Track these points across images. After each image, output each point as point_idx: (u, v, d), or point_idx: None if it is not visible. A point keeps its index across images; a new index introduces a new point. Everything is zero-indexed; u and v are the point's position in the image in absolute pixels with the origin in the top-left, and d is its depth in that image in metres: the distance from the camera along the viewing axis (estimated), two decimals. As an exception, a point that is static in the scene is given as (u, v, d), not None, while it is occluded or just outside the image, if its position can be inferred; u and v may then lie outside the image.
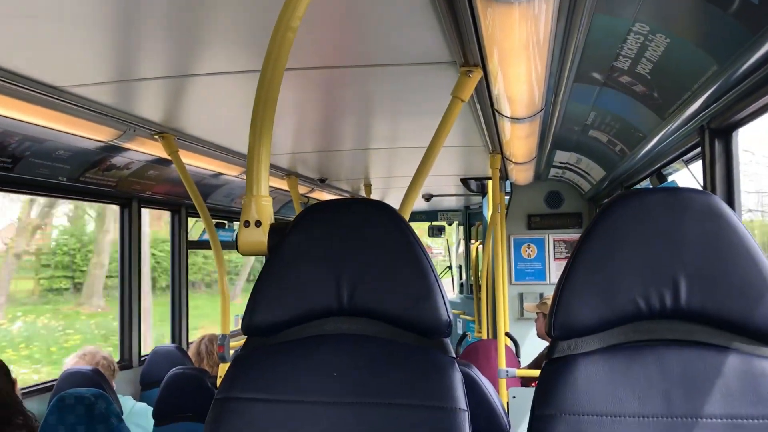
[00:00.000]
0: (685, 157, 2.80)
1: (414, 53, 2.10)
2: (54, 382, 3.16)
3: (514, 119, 2.71)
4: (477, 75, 2.11)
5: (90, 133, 2.79)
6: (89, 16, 1.73)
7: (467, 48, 1.97)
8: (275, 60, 1.27)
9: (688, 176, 2.91)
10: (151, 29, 1.87)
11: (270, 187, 4.19)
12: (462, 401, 1.08)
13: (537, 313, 4.05)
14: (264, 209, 1.24)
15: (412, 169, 2.21)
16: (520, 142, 3.25)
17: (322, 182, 5.39)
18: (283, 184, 4.88)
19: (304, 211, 1.22)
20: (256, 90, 1.29)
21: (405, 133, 3.44)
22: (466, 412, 1.07)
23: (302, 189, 5.20)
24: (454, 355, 1.14)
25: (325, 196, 6.06)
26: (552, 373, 1.09)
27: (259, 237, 1.23)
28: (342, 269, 1.16)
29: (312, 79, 2.46)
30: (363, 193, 6.07)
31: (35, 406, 3.05)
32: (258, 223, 1.23)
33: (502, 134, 3.13)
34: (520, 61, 1.99)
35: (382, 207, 1.19)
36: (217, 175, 4.20)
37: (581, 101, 2.65)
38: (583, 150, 3.70)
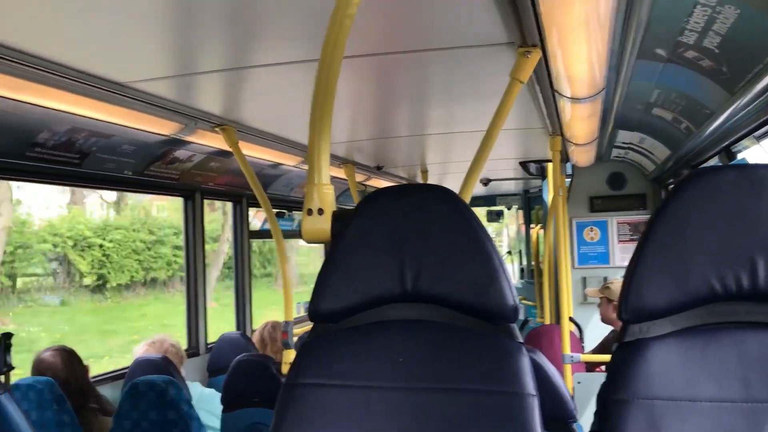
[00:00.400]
0: (757, 133, 2.68)
1: (470, 35, 2.07)
2: (125, 370, 3.28)
3: (574, 99, 2.65)
4: (536, 55, 2.07)
5: (153, 128, 2.86)
6: (150, 11, 1.77)
7: (525, 28, 1.93)
8: (333, 48, 1.27)
9: (760, 153, 2.80)
10: (210, 22, 1.90)
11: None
12: (531, 386, 1.06)
13: (600, 297, 3.96)
14: (326, 197, 1.25)
15: (469, 154, 2.19)
16: (581, 123, 3.18)
17: (378, 169, 5.39)
18: (340, 173, 4.90)
19: (366, 197, 1.22)
20: (315, 79, 1.29)
21: (462, 118, 3.40)
22: (536, 398, 1.06)
23: (359, 177, 5.22)
24: (521, 341, 1.13)
25: (382, 183, 6.07)
26: (624, 357, 1.06)
27: (322, 224, 1.24)
28: (405, 255, 1.15)
29: (368, 67, 2.45)
30: (420, 180, 6.06)
31: (109, 393, 3.17)
32: (320, 211, 1.24)
33: (563, 115, 3.07)
34: (579, 39, 1.94)
35: (444, 192, 1.18)
36: (276, 165, 4.26)
37: (644, 79, 2.56)
38: (647, 129, 3.59)
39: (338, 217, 1.23)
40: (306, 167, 4.31)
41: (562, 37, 1.94)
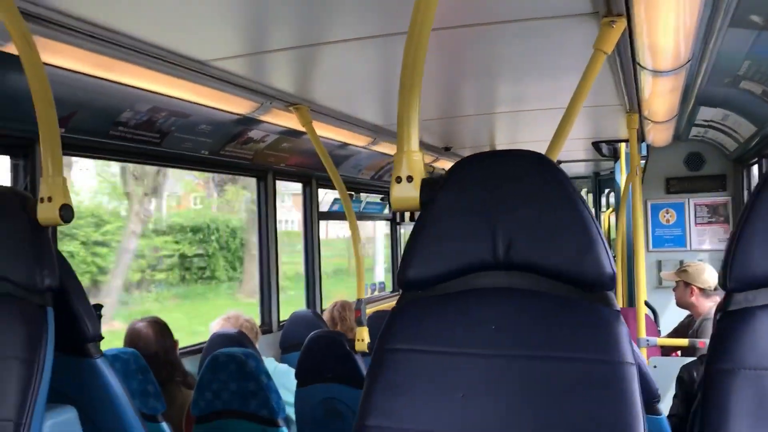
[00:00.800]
0: None
1: (551, 6, 2.01)
2: (202, 345, 3.37)
3: (656, 72, 2.56)
4: (621, 25, 2.00)
5: (230, 106, 2.91)
6: None
7: None
8: (423, 15, 1.26)
9: None
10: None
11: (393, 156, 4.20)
12: (629, 355, 1.03)
13: (677, 281, 3.84)
14: (415, 164, 1.24)
15: (541, 133, 2.14)
16: (662, 99, 3.07)
17: (447, 150, 5.36)
18: (408, 154, 4.89)
19: (456, 163, 1.20)
20: (403, 50, 1.28)
21: (536, 94, 3.33)
22: (634, 366, 1.03)
23: (427, 158, 5.19)
24: (618, 308, 1.10)
25: (449, 165, 6.03)
26: (728, 326, 1.02)
27: (411, 192, 1.23)
28: (498, 222, 1.13)
29: (437, 41, 2.41)
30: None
31: (187, 366, 3.26)
32: (410, 179, 1.23)
33: (642, 90, 2.97)
34: (669, 7, 1.87)
35: (539, 158, 1.15)
36: (344, 146, 4.27)
37: (734, 49, 2.45)
38: (732, 105, 3.44)
39: (428, 184, 1.22)
40: (375, 147, 4.36)
41: (651, 5, 1.87)
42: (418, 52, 1.25)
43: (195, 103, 2.79)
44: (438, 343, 1.14)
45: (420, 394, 1.12)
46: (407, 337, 1.16)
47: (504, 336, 1.10)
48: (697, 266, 3.75)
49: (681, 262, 4.98)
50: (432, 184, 1.22)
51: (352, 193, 5.41)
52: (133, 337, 2.71)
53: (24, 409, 1.32)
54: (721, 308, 1.06)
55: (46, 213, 1.46)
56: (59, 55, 2.07)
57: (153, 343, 2.72)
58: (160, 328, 2.76)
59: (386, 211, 6.19)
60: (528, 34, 2.29)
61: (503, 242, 1.13)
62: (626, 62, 2.59)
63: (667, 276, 3.90)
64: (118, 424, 1.56)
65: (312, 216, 4.66)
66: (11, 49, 1.99)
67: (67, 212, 1.47)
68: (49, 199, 1.46)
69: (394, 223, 6.41)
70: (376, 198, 5.99)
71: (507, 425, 1.06)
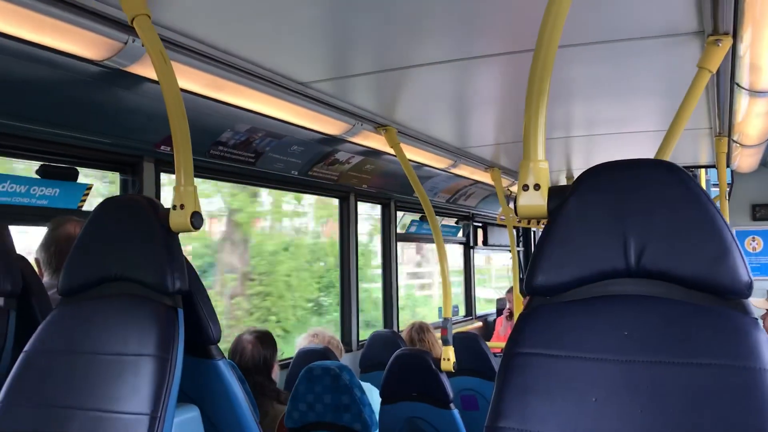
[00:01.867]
0: None
1: (658, 24, 2.02)
2: (290, 361, 3.44)
3: (754, 93, 2.53)
4: (726, 44, 1.99)
5: (324, 127, 3.00)
6: (324, 14, 1.88)
7: (720, 15, 1.86)
8: (552, 28, 1.30)
9: None
10: (373, 23, 2.00)
11: (471, 180, 4.23)
12: None
13: (767, 309, 3.71)
14: (542, 173, 1.26)
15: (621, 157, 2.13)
16: (756, 121, 3.01)
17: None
18: (486, 177, 4.91)
19: (585, 172, 1.22)
20: (531, 65, 1.31)
21: (631, 116, 3.31)
22: None
23: (505, 182, 5.19)
24: (756, 317, 1.09)
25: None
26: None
27: (538, 200, 1.25)
28: (629, 229, 1.15)
29: (521, 61, 2.44)
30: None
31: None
32: (537, 187, 1.26)
33: (736, 112, 2.92)
34: (780, 23, 1.86)
35: (668, 166, 1.16)
36: (420, 167, 4.32)
37: (840, 69, 2.40)
38: (829, 127, 3.34)
39: (556, 192, 1.25)
40: (454, 170, 4.39)
41: (759, 24, 1.86)
42: (545, 66, 1.29)
43: (291, 123, 2.89)
44: (568, 347, 1.15)
45: (552, 398, 1.13)
46: (537, 342, 1.18)
47: (636, 342, 1.11)
48: None
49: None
50: (560, 192, 1.24)
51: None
52: (237, 346, 2.79)
53: (159, 404, 1.39)
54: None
55: (178, 219, 1.55)
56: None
57: (254, 356, 2.78)
58: (264, 341, 2.82)
59: (459, 234, 6.19)
60: (629, 54, 2.29)
61: (635, 250, 1.14)
62: (723, 82, 2.56)
63: (758, 303, 3.78)
64: (237, 425, 1.62)
65: (390, 237, 4.71)
66: (132, 69, 2.12)
67: (197, 219, 1.55)
68: (182, 207, 1.55)
69: (468, 247, 6.41)
70: (450, 221, 6.01)
71: (643, 430, 1.06)
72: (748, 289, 1.09)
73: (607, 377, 1.11)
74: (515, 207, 1.28)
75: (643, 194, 1.16)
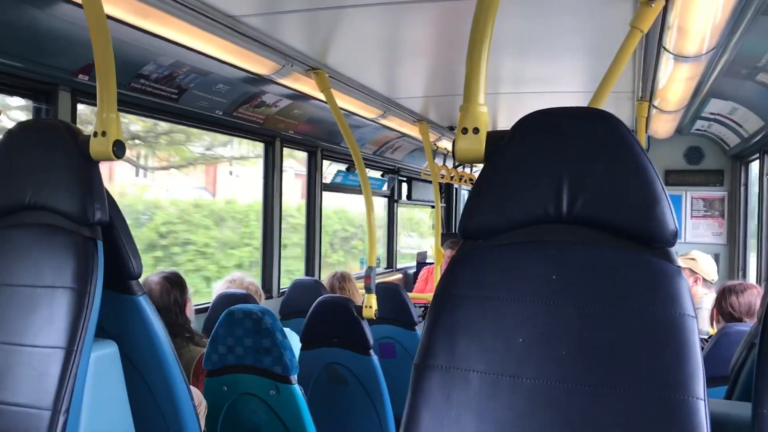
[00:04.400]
0: None
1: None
2: (207, 305, 3.38)
3: (679, 57, 2.60)
4: (659, 5, 2.03)
5: (253, 66, 2.90)
6: None
7: None
8: None
9: None
10: None
11: (399, 132, 4.21)
12: (690, 308, 1.07)
13: (682, 268, 3.89)
14: (482, 117, 1.26)
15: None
16: (678, 86, 3.11)
17: (451, 130, 5.38)
18: (414, 131, 4.91)
19: (522, 118, 1.23)
20: (475, 5, 1.29)
21: (557, 74, 3.35)
22: (695, 319, 1.07)
23: (432, 137, 5.21)
24: (679, 265, 1.13)
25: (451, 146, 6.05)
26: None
27: (476, 144, 1.25)
28: (562, 177, 1.16)
29: (458, 10, 2.42)
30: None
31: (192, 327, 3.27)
32: (476, 130, 1.25)
33: (659, 77, 3.01)
34: (711, -13, 1.90)
35: (605, 115, 1.18)
36: (349, 116, 4.26)
37: (759, 39, 2.49)
38: (743, 98, 3.50)
39: (493, 137, 1.24)
40: (383, 121, 4.37)
41: (693, -15, 1.90)
42: (490, 8, 1.27)
43: (218, 59, 2.78)
44: (498, 289, 1.17)
45: (480, 337, 1.15)
46: (468, 283, 1.19)
47: (565, 286, 1.14)
48: (704, 257, 3.82)
49: (675, 252, 5.05)
50: (498, 137, 1.24)
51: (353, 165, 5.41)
52: (145, 289, 2.70)
53: (75, 338, 1.33)
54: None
55: (99, 147, 1.46)
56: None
57: (162, 297, 2.71)
58: (173, 283, 2.75)
59: (384, 187, 6.21)
60: (559, 10, 2.31)
61: (568, 196, 1.16)
62: (651, 45, 2.62)
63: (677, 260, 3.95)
64: (157, 362, 1.58)
65: (315, 186, 4.66)
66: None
67: (119, 148, 1.48)
68: (103, 134, 1.47)
69: (392, 200, 6.44)
70: (377, 174, 6.01)
71: (565, 371, 1.09)
72: (673, 238, 1.13)
73: (535, 319, 1.13)
74: (453, 150, 1.28)
75: (578, 142, 1.17)
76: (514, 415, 1.09)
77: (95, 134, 1.47)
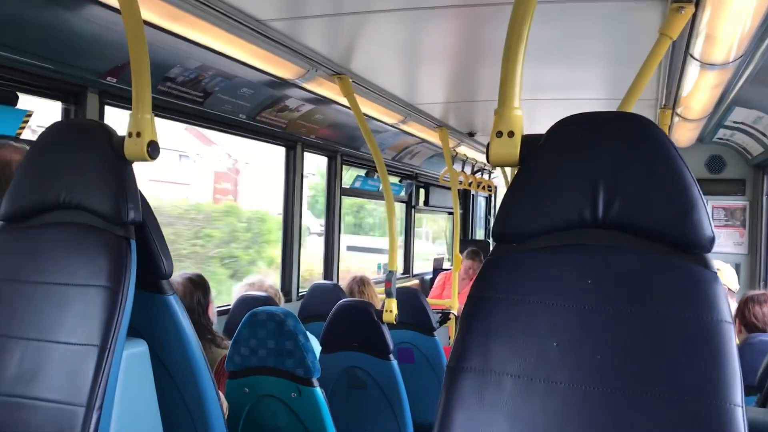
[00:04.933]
0: None
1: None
2: (228, 307, 3.40)
3: (706, 65, 2.59)
4: (689, 12, 2.02)
5: (279, 70, 2.92)
6: None
7: None
8: None
9: None
10: None
11: (419, 138, 4.21)
12: (727, 314, 1.06)
13: None
14: (517, 120, 1.26)
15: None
16: (702, 94, 3.10)
17: (470, 136, 5.38)
18: (434, 137, 4.92)
19: (558, 122, 1.22)
20: (510, 15, 1.29)
21: (582, 82, 3.35)
22: (732, 325, 1.06)
23: (451, 143, 5.21)
24: (716, 270, 1.13)
25: (471, 152, 6.05)
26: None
27: (511, 148, 1.25)
28: (598, 181, 1.16)
29: (479, 18, 2.42)
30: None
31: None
32: (510, 134, 1.25)
33: (684, 83, 3.00)
34: (742, -5, 1.89)
35: (641, 120, 1.17)
36: (369, 121, 4.27)
37: (788, 47, 2.48)
38: (768, 107, 3.48)
39: (528, 140, 1.24)
40: (403, 126, 4.38)
41: (724, -8, 1.89)
42: (526, 12, 1.27)
43: (244, 63, 2.80)
44: (532, 293, 1.17)
45: (514, 341, 1.15)
46: (502, 287, 1.19)
47: (600, 290, 1.13)
48: (727, 267, 3.80)
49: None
50: (533, 141, 1.24)
51: (376, 171, 5.42)
52: None
53: (108, 336, 1.34)
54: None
55: (133, 148, 1.48)
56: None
57: (185, 298, 2.73)
58: (196, 284, 2.76)
59: (402, 193, 6.21)
60: (589, 16, 2.31)
61: (604, 200, 1.16)
62: (677, 52, 2.61)
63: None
64: (186, 362, 1.59)
65: (335, 190, 4.68)
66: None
67: (154, 149, 1.49)
68: (137, 135, 1.48)
69: (409, 206, 6.44)
70: (395, 179, 6.02)
71: (600, 376, 1.09)
72: (710, 244, 1.12)
73: (569, 324, 1.13)
74: (487, 153, 1.28)
75: (615, 146, 1.17)
76: (547, 419, 1.09)
77: (129, 135, 1.49)
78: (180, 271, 2.77)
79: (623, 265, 1.14)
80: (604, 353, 1.10)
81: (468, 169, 6.41)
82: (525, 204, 1.21)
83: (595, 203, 1.16)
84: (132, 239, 1.45)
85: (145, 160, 1.49)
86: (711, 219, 1.13)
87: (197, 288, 2.75)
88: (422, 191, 6.76)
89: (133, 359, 1.47)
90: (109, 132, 1.51)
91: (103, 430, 1.33)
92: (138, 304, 1.50)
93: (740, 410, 1.01)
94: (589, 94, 3.56)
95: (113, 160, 1.48)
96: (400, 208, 6.46)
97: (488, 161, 1.29)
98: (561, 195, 1.19)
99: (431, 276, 6.78)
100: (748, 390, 2.15)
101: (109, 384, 1.34)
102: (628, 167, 1.16)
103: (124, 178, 1.47)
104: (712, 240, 1.12)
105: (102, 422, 1.32)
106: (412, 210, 6.48)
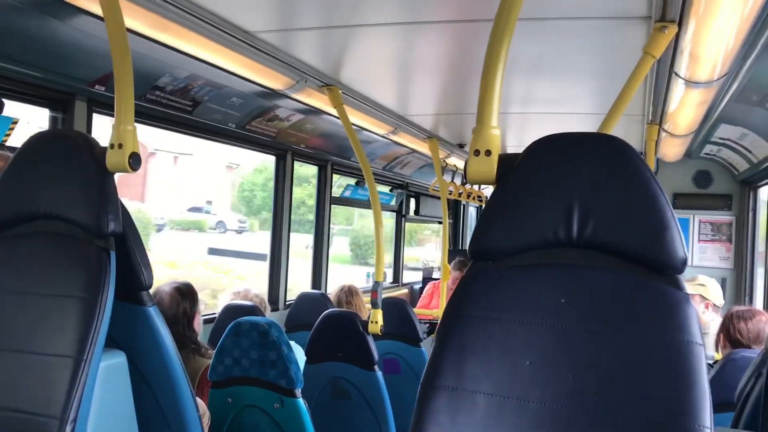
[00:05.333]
0: None
1: (606, 6, 2.06)
2: (214, 315, 3.40)
3: (691, 83, 2.61)
4: (672, 31, 2.05)
5: (268, 81, 2.93)
6: None
7: (669, 1, 1.91)
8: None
9: None
10: None
11: (409, 148, 4.23)
12: (698, 335, 1.08)
13: (692, 294, 3.86)
14: (494, 139, 1.27)
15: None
16: (688, 111, 3.13)
17: (460, 147, 5.40)
18: (424, 147, 4.93)
19: (535, 142, 1.24)
20: (491, 32, 1.31)
21: (567, 96, 3.37)
22: (702, 347, 1.08)
23: (441, 154, 5.23)
24: (688, 292, 1.14)
25: (461, 163, 6.07)
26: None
27: (488, 166, 1.26)
28: (573, 201, 1.17)
29: (475, 33, 2.43)
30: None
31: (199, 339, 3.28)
32: (488, 153, 1.27)
33: (670, 101, 3.02)
34: (723, 17, 1.91)
35: (617, 141, 1.19)
36: (360, 131, 4.29)
37: (771, 66, 2.51)
38: (753, 124, 3.50)
39: (505, 159, 1.26)
40: (394, 137, 4.39)
41: (706, 14, 1.91)
42: (505, 31, 1.29)
43: (233, 74, 2.81)
44: (507, 311, 1.18)
45: (488, 359, 1.16)
46: (477, 304, 1.20)
47: (573, 309, 1.14)
48: (712, 282, 3.82)
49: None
50: (509, 160, 1.25)
51: (365, 180, 5.43)
52: (154, 298, 2.72)
53: (85, 348, 1.35)
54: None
55: (115, 159, 1.49)
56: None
57: (171, 307, 2.72)
58: (183, 294, 2.76)
59: (393, 202, 6.22)
60: (575, 33, 2.33)
61: (578, 221, 1.17)
62: (663, 70, 2.64)
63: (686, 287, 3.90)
64: (165, 373, 1.59)
65: (325, 199, 4.69)
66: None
67: (135, 160, 1.50)
68: (119, 146, 1.49)
69: (400, 215, 6.45)
70: (385, 189, 6.03)
71: (572, 395, 1.10)
72: (683, 265, 1.13)
73: (543, 342, 1.14)
74: (465, 171, 1.29)
75: (590, 168, 1.19)
76: None
77: (111, 146, 1.50)
78: (170, 281, 2.77)
79: (597, 285, 1.15)
80: (576, 372, 1.11)
81: (458, 180, 6.42)
82: (500, 223, 1.22)
83: (570, 223, 1.18)
84: (112, 251, 1.46)
85: (126, 171, 1.49)
86: (684, 241, 1.14)
87: (184, 298, 2.74)
88: (413, 201, 6.77)
89: (111, 370, 1.47)
90: (91, 143, 1.52)
91: None
92: (117, 315, 1.50)
93: None
94: (578, 108, 3.59)
95: (95, 171, 1.48)
96: (390, 218, 6.48)
97: (465, 179, 1.30)
98: (536, 214, 1.20)
99: (421, 285, 6.79)
100: (728, 406, 2.17)
101: (85, 395, 1.34)
102: (603, 189, 1.17)
103: (105, 189, 1.48)
104: (684, 261, 1.13)
105: None
106: (403, 219, 6.49)
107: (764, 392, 1.06)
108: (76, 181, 1.48)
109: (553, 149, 1.23)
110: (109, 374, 1.46)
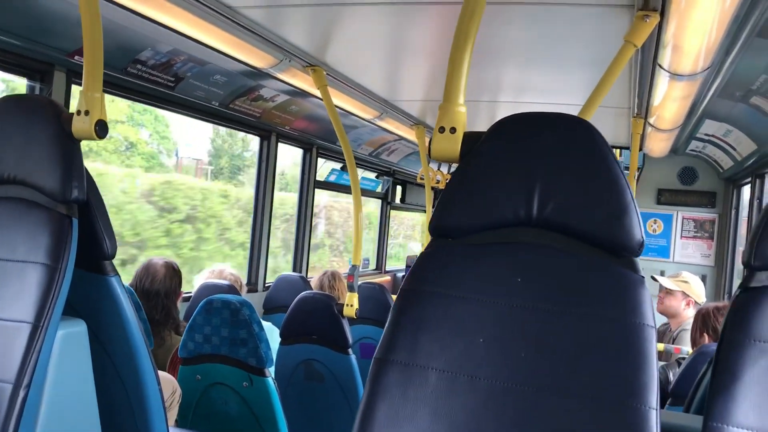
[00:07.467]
0: None
1: (589, -7, 2.05)
2: (189, 294, 3.38)
3: (674, 75, 2.60)
4: (654, 21, 2.03)
5: (251, 58, 2.90)
6: None
7: None
8: None
9: None
10: None
11: (396, 135, 4.20)
12: (651, 318, 1.07)
13: (673, 290, 3.82)
14: (459, 117, 1.26)
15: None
16: (672, 105, 3.12)
17: (448, 136, 5.38)
18: (411, 134, 4.91)
19: (499, 121, 1.23)
20: (461, 8, 1.30)
21: (550, 86, 3.36)
22: (654, 329, 1.07)
23: (428, 141, 5.21)
24: (643, 275, 1.14)
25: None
26: (747, 301, 1.07)
27: (452, 144, 1.25)
28: (534, 181, 1.16)
29: (455, 16, 2.42)
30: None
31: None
32: (453, 130, 1.26)
33: (654, 94, 3.02)
34: (706, 8, 1.91)
35: (580, 123, 1.18)
36: (346, 115, 4.27)
37: (754, 61, 2.50)
38: (737, 120, 3.51)
39: (469, 137, 1.25)
40: (380, 122, 4.37)
41: (689, 4, 1.91)
42: (475, 9, 1.28)
43: (216, 50, 2.78)
44: (463, 288, 1.17)
45: (442, 335, 1.15)
46: (434, 280, 1.19)
47: (529, 288, 1.14)
48: (695, 279, 3.82)
49: (662, 272, 5.07)
50: (474, 138, 1.24)
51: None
52: (148, 270, 2.75)
53: (42, 314, 1.33)
54: (743, 285, 1.10)
55: (81, 126, 1.47)
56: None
57: (160, 282, 2.74)
58: (173, 272, 2.79)
59: (379, 189, 6.21)
60: (559, 20, 2.31)
61: (539, 201, 1.17)
62: (646, 61, 2.63)
63: (667, 283, 3.91)
64: (125, 344, 1.58)
65: (309, 183, 4.67)
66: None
67: (102, 128, 1.48)
68: (86, 113, 1.47)
69: (385, 202, 6.44)
70: (371, 175, 6.02)
71: (523, 373, 1.10)
72: (639, 248, 1.13)
73: (497, 320, 1.13)
74: (429, 148, 1.28)
75: (552, 147, 1.18)
76: (467, 415, 1.10)
77: (78, 112, 1.48)
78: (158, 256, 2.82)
79: (553, 265, 1.15)
80: (527, 350, 1.11)
81: (445, 169, 6.42)
82: (461, 200, 1.22)
83: (530, 202, 1.17)
84: (75, 218, 1.44)
85: (92, 138, 1.47)
86: (641, 224, 1.14)
87: (176, 275, 2.80)
88: (399, 188, 6.76)
89: (70, 338, 1.45)
90: (57, 109, 1.50)
91: (32, 407, 1.32)
92: (79, 284, 1.49)
93: (654, 413, 1.02)
94: (563, 98, 3.57)
95: (60, 138, 1.46)
96: (376, 205, 6.46)
97: (429, 156, 1.29)
98: (497, 193, 1.19)
99: (404, 273, 6.80)
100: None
101: (40, 362, 1.32)
102: (564, 169, 1.16)
103: (70, 155, 1.46)
104: (642, 244, 1.13)
105: (31, 400, 1.31)
106: (388, 206, 6.48)
107: (711, 377, 1.06)
108: (40, 146, 1.46)
109: (518, 128, 1.22)
110: (67, 342, 1.44)
